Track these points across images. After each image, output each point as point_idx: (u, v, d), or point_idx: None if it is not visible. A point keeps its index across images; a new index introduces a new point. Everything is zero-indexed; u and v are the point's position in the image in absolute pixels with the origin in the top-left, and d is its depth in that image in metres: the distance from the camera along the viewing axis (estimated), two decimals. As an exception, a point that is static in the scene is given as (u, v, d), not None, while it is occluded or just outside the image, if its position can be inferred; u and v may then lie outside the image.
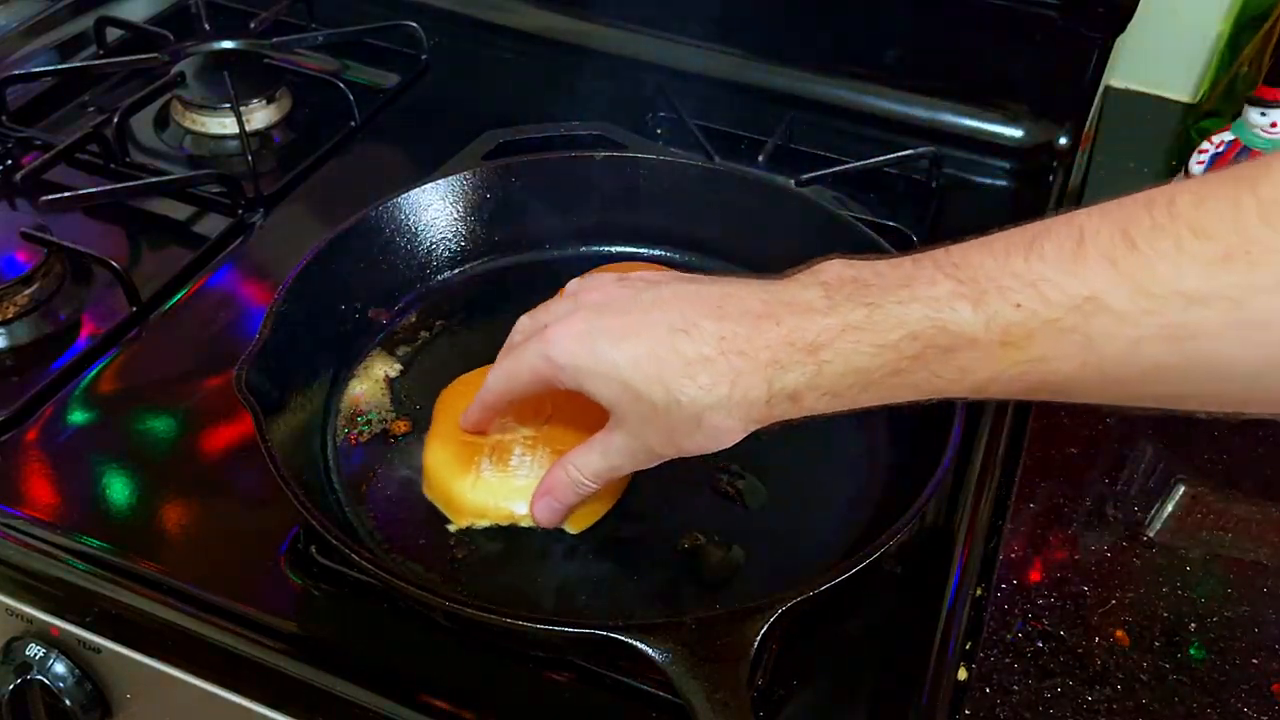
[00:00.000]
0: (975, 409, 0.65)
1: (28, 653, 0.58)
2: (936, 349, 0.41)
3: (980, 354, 0.41)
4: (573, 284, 0.54)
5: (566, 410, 0.59)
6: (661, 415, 0.47)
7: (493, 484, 0.58)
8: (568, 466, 0.53)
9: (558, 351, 0.49)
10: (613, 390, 0.48)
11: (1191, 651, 0.55)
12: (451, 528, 0.58)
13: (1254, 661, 0.55)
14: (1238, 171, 0.36)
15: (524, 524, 0.57)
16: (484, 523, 0.58)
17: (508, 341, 0.55)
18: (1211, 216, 0.36)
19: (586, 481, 0.53)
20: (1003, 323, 0.40)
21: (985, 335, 0.40)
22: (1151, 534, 0.61)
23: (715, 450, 0.49)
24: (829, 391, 0.44)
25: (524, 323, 0.55)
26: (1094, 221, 0.39)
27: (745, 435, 0.48)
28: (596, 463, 0.52)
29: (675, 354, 0.46)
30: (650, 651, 0.45)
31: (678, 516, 0.59)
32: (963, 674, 0.54)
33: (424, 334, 0.70)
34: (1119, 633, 0.56)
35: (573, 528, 0.58)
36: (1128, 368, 0.38)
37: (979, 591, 0.58)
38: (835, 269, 0.45)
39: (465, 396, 0.59)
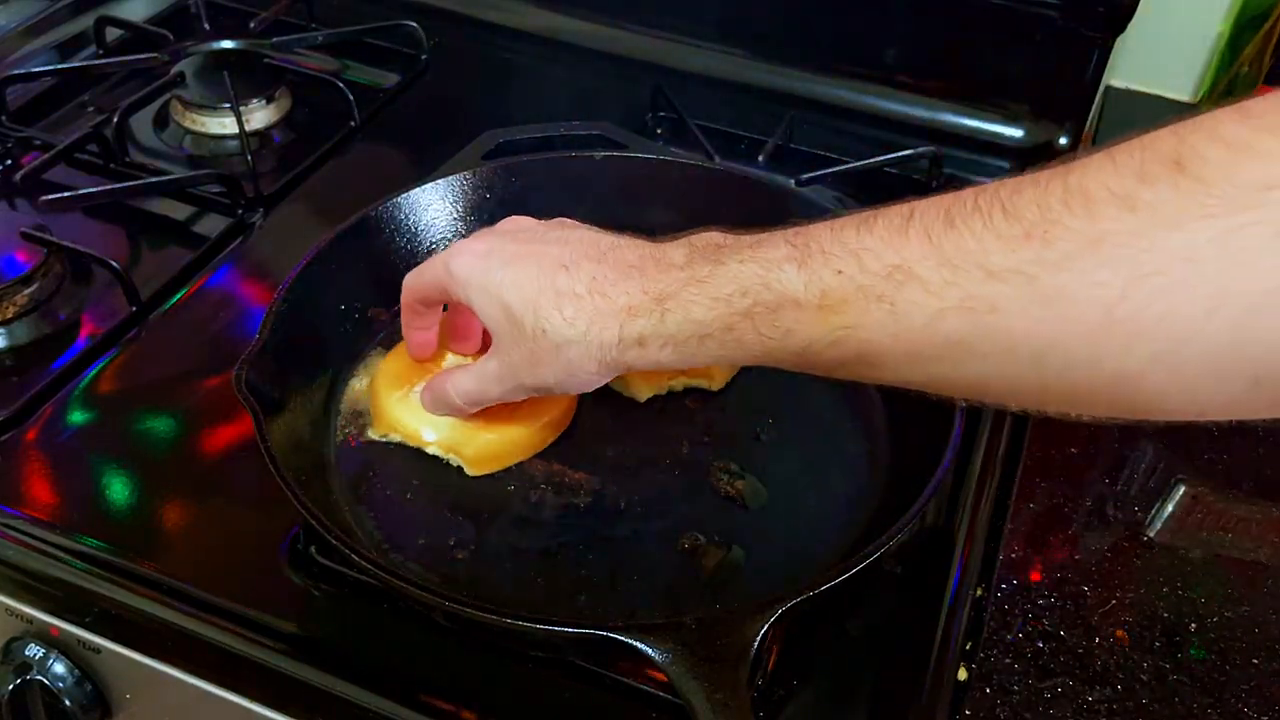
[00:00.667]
0: (976, 411, 0.65)
1: (27, 653, 0.58)
2: (763, 307, 0.44)
3: (801, 315, 0.43)
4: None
5: None
6: (528, 340, 0.51)
7: (415, 405, 0.61)
8: (445, 383, 0.58)
9: (456, 264, 0.54)
10: (493, 308, 0.52)
11: (1192, 652, 0.55)
12: (371, 434, 0.62)
13: (1254, 662, 0.55)
14: (1060, 165, 0.38)
15: (429, 450, 0.61)
16: (395, 437, 0.61)
17: None
18: (1023, 200, 0.37)
19: (456, 400, 0.58)
20: (822, 286, 0.42)
21: (805, 296, 0.42)
22: (1152, 534, 0.61)
23: (574, 390, 0.53)
24: (670, 340, 0.47)
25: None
26: (925, 204, 0.40)
27: (600, 381, 0.52)
28: (468, 383, 0.57)
29: (552, 285, 0.50)
30: (650, 651, 0.45)
31: (678, 516, 0.59)
32: (963, 674, 0.54)
33: (424, 334, 0.70)
34: (1119, 633, 0.56)
35: (472, 470, 0.61)
36: (930, 341, 0.40)
37: (979, 591, 0.58)
38: (707, 235, 0.49)
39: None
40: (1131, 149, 0.36)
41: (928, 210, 0.40)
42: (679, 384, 0.66)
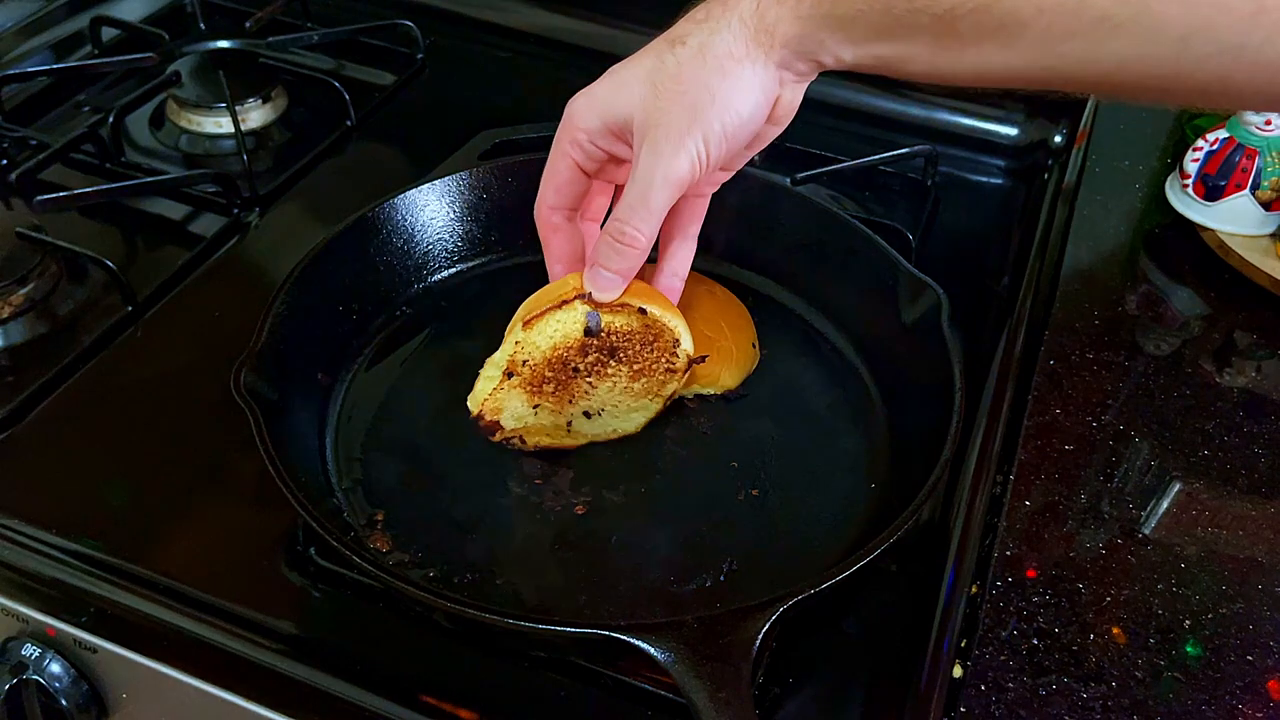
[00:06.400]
0: (972, 410, 0.65)
1: (24, 652, 0.58)
2: None
3: None
4: None
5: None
6: (669, 79, 0.49)
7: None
8: (610, 224, 0.53)
9: (574, 106, 0.55)
10: (633, 93, 0.51)
11: (1187, 649, 0.56)
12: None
13: (1249, 658, 0.55)
14: None
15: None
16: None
17: None
18: None
19: (628, 229, 0.52)
20: None
21: None
22: (1147, 531, 0.61)
23: (744, 112, 0.49)
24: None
25: None
26: None
27: (761, 79, 0.49)
28: (633, 200, 0.52)
29: (665, 35, 0.50)
30: (653, 651, 0.46)
31: (678, 516, 0.60)
32: (958, 671, 0.54)
33: (421, 334, 0.70)
34: (1114, 630, 0.56)
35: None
36: (1077, 16, 0.40)
37: (974, 589, 0.58)
38: None
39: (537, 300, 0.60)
40: None
41: None
42: (689, 391, 0.66)
